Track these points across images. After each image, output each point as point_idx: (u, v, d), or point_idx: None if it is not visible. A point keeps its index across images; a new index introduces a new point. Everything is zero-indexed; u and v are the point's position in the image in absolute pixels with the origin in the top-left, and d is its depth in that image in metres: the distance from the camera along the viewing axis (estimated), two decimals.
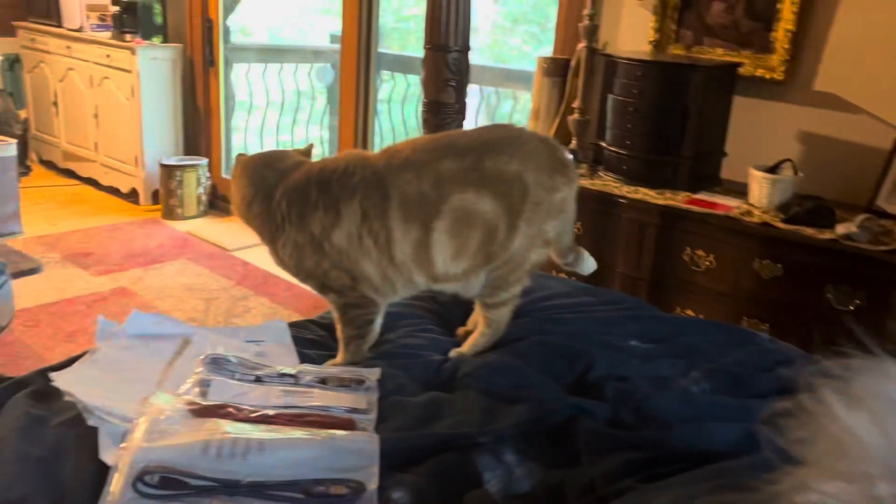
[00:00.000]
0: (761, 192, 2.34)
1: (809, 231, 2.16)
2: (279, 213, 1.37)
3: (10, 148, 3.87)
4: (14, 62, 5.28)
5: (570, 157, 1.47)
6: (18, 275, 3.43)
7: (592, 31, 2.81)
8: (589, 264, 1.57)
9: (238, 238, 4.17)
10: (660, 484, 0.86)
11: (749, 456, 0.93)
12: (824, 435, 0.72)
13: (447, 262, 1.36)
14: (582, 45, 2.82)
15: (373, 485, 0.99)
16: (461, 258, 1.37)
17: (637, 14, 2.83)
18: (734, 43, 2.63)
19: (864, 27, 2.35)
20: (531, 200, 1.37)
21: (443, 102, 1.84)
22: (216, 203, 4.76)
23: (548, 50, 3.14)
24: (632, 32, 2.87)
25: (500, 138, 1.39)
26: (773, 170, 2.38)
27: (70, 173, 5.15)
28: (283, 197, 1.37)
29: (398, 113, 4.60)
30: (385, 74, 4.40)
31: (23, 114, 5.24)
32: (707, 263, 2.31)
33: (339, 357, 1.42)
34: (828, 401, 0.75)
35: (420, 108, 1.95)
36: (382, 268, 1.36)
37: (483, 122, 4.52)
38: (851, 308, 2.05)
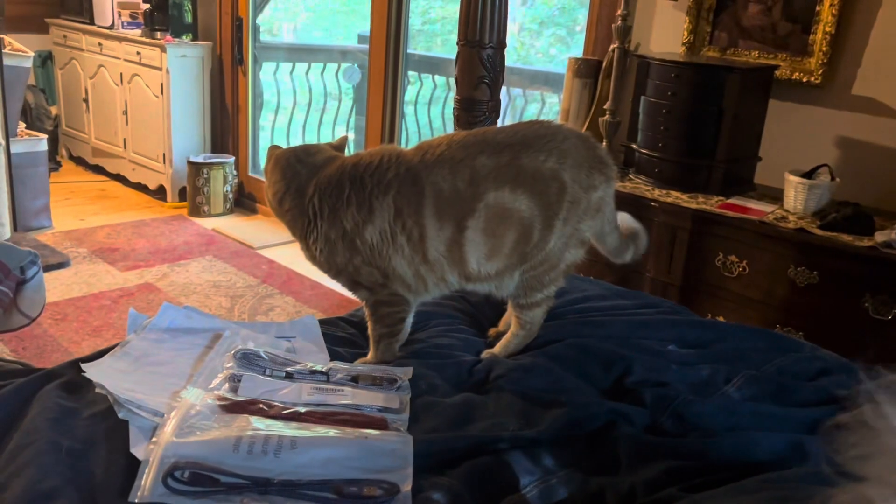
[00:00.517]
0: (797, 197, 2.29)
1: (847, 238, 2.11)
2: (311, 208, 1.35)
3: (41, 143, 3.90)
4: (46, 59, 5.35)
5: (607, 153, 1.43)
6: (47, 269, 3.46)
7: (625, 32, 2.77)
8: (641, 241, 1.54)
9: (264, 236, 4.17)
10: (706, 494, 0.83)
11: (797, 468, 0.89)
12: (887, 450, 0.69)
13: (481, 261, 1.34)
14: (614, 45, 2.79)
15: (407, 487, 0.97)
16: (495, 258, 1.34)
17: (670, 15, 2.79)
18: (770, 45, 2.58)
19: None
20: (568, 199, 1.34)
21: (476, 100, 1.82)
22: (242, 201, 4.78)
23: (575, 53, 3.11)
24: (665, 34, 2.83)
25: (538, 135, 1.35)
26: (809, 175, 2.33)
27: (99, 169, 5.20)
28: (316, 192, 1.35)
29: (424, 114, 4.59)
30: (412, 76, 4.39)
31: (54, 110, 5.30)
32: (740, 269, 2.27)
33: (370, 355, 1.40)
34: (890, 415, 0.71)
35: (451, 106, 1.93)
36: (415, 265, 1.34)
37: (510, 123, 4.48)
38: (890, 318, 2.00)
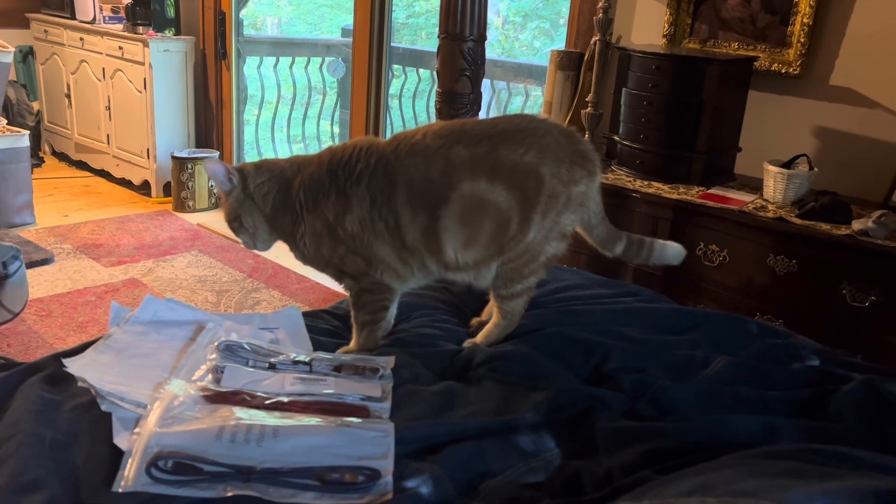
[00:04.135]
0: (776, 187, 2.32)
1: (825, 227, 2.13)
2: (298, 203, 1.38)
3: (23, 139, 3.87)
4: (28, 54, 5.30)
5: (593, 149, 1.44)
6: (31, 265, 3.44)
7: (606, 25, 2.79)
8: (671, 252, 1.51)
9: None
10: (678, 473, 0.85)
11: (769, 446, 0.92)
12: None
13: (458, 250, 1.35)
14: (596, 38, 2.81)
15: (388, 473, 0.98)
16: (472, 248, 1.36)
17: (651, 7, 2.81)
18: (750, 37, 2.61)
19: (883, 21, 2.32)
20: (546, 193, 1.35)
21: (457, 92, 1.83)
22: None
23: (560, 45, 3.13)
24: (646, 26, 2.85)
25: (518, 129, 1.36)
26: (788, 165, 2.36)
27: (82, 165, 5.16)
28: (301, 187, 1.38)
29: (409, 108, 4.59)
30: (396, 69, 4.39)
31: (36, 106, 5.25)
32: (720, 259, 2.29)
33: (353, 343, 1.42)
34: None
35: (434, 99, 1.94)
36: (398, 249, 1.36)
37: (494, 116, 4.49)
38: (867, 304, 2.03)
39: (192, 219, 4.38)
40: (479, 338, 1.44)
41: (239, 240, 1.45)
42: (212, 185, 4.56)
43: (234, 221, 1.42)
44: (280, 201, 1.40)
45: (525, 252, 1.38)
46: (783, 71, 2.51)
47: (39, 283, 3.32)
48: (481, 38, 1.80)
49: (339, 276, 1.43)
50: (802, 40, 2.45)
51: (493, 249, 1.37)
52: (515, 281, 1.41)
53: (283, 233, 1.43)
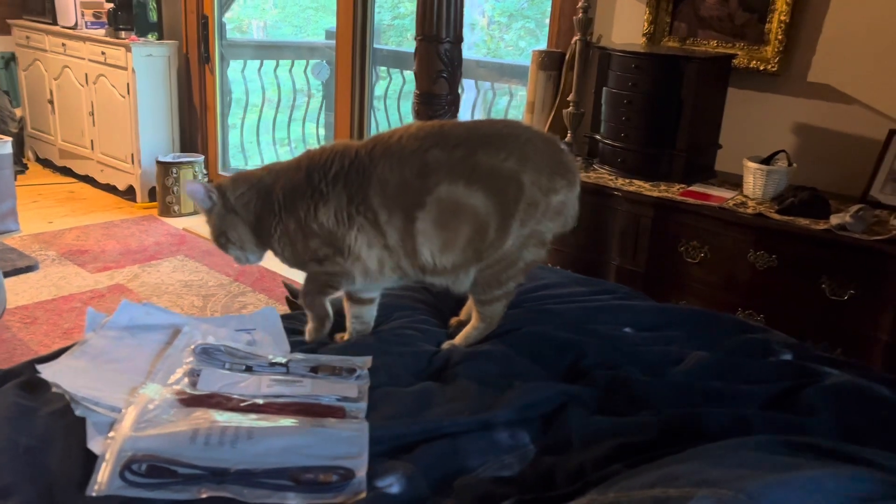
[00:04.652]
0: (756, 183, 2.34)
1: (804, 222, 2.15)
2: (276, 204, 1.39)
3: (5, 146, 3.86)
4: (9, 60, 5.28)
5: (576, 158, 1.44)
6: (15, 272, 3.42)
7: (586, 24, 2.80)
8: None
9: None
10: (646, 466, 0.86)
11: (738, 438, 0.93)
12: None
13: (435, 253, 1.35)
14: (576, 38, 2.82)
15: (362, 472, 0.99)
16: (450, 251, 1.35)
17: (631, 6, 2.83)
18: (728, 35, 2.62)
19: (859, 18, 2.34)
20: (526, 201, 1.34)
21: (435, 94, 1.84)
22: None
23: (545, 45, 3.14)
24: (626, 25, 2.86)
25: (500, 134, 1.36)
26: (767, 161, 2.38)
27: (67, 171, 5.14)
28: (281, 190, 1.40)
29: (395, 109, 4.60)
30: (381, 71, 4.39)
31: (18, 112, 5.23)
32: (702, 255, 2.31)
33: (308, 327, 1.46)
34: None
35: (413, 101, 1.95)
36: (378, 246, 1.36)
37: (480, 116, 4.51)
38: (846, 298, 2.05)
39: (178, 223, 4.37)
40: (458, 339, 1.45)
41: (231, 256, 1.46)
42: None
43: (221, 237, 1.44)
44: (261, 207, 1.41)
45: (503, 259, 1.38)
46: (761, 68, 2.53)
47: (24, 290, 3.30)
48: (458, 39, 1.81)
49: (309, 262, 1.44)
50: (780, 38, 2.47)
51: (471, 254, 1.36)
52: (494, 287, 1.41)
53: (265, 237, 1.44)
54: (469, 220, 1.33)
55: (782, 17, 2.46)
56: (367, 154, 1.35)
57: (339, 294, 1.47)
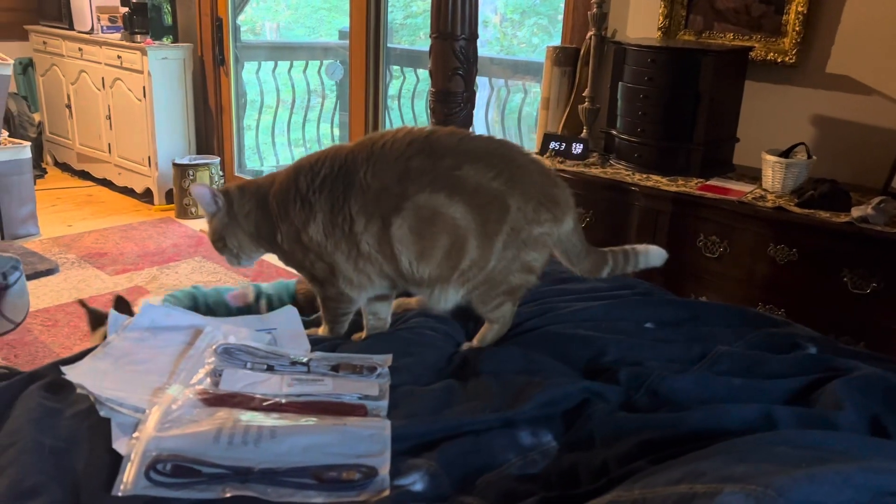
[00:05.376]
0: (775, 176, 2.32)
1: (824, 215, 2.13)
2: (273, 213, 1.41)
3: (25, 151, 3.90)
4: (27, 66, 5.33)
5: (568, 196, 1.40)
6: (36, 275, 3.46)
7: (601, 19, 2.79)
8: (654, 255, 1.49)
9: None
10: (670, 462, 0.85)
11: (763, 433, 0.92)
12: None
13: (412, 261, 1.34)
14: (591, 33, 2.81)
15: (385, 470, 0.99)
16: (427, 261, 1.34)
17: (646, 0, 2.81)
18: (745, 27, 2.60)
19: (878, 7, 2.31)
20: (509, 224, 1.33)
21: (451, 91, 1.83)
22: None
23: (558, 42, 3.13)
24: (640, 19, 2.85)
25: (492, 152, 1.35)
26: (786, 154, 2.36)
27: (85, 175, 5.19)
28: (274, 198, 1.41)
29: (409, 108, 4.60)
30: (395, 70, 4.40)
31: (37, 117, 5.29)
32: (721, 250, 2.29)
33: (321, 330, 1.49)
34: None
35: (428, 99, 1.95)
36: (353, 259, 1.37)
37: (494, 114, 4.50)
38: (868, 291, 2.02)
39: (195, 225, 4.40)
40: (476, 340, 1.44)
41: (224, 257, 1.50)
42: None
43: (219, 242, 1.46)
44: (260, 216, 1.43)
45: (488, 280, 1.37)
46: (779, 60, 2.51)
47: (45, 294, 3.34)
48: (473, 36, 1.80)
49: (311, 280, 1.47)
50: (797, 29, 2.45)
51: (447, 269, 1.35)
52: (487, 303, 1.41)
53: (267, 243, 1.46)
54: (447, 231, 1.32)
55: (800, 8, 2.43)
56: (353, 158, 1.35)
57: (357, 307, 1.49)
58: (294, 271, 1.50)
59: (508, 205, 1.32)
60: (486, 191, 1.31)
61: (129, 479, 0.97)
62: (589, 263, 1.47)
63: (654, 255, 1.50)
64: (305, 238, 1.37)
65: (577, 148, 2.70)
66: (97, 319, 1.51)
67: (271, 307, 1.71)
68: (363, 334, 1.49)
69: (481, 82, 4.22)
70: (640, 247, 1.49)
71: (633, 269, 1.49)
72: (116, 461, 1.01)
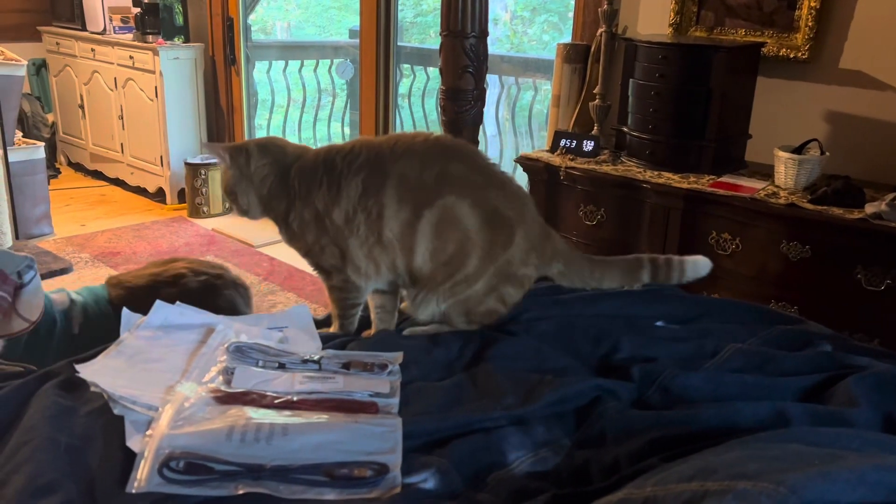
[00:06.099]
0: (787, 173, 2.30)
1: (837, 211, 2.12)
2: (292, 190, 1.42)
3: (38, 151, 3.93)
4: (41, 67, 5.37)
5: (561, 246, 1.45)
6: (50, 275, 3.49)
7: (612, 16, 2.78)
8: (702, 265, 1.48)
9: (264, 234, 4.20)
10: (682, 460, 0.85)
11: (774, 430, 0.91)
12: None
13: (425, 256, 1.37)
14: (602, 29, 2.80)
15: (396, 467, 0.99)
16: (432, 261, 1.37)
17: None
18: (757, 23, 2.59)
19: (892, 2, 2.29)
20: (508, 255, 1.37)
21: (461, 89, 1.83)
22: None
23: (568, 39, 3.12)
24: (651, 16, 2.83)
25: (511, 187, 1.41)
26: (799, 150, 2.34)
27: (98, 174, 5.23)
28: (296, 175, 1.42)
29: (419, 107, 4.60)
30: (405, 69, 4.40)
31: (50, 117, 5.33)
32: (733, 247, 2.28)
33: (332, 328, 1.50)
34: None
35: (438, 97, 1.95)
36: (368, 246, 1.38)
37: (505, 111, 4.50)
38: (883, 288, 2.01)
39: (207, 224, 4.42)
40: (407, 331, 1.46)
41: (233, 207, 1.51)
42: None
43: (231, 195, 1.47)
44: (276, 187, 1.43)
45: (469, 299, 1.39)
46: (791, 56, 2.49)
47: None
48: (483, 34, 1.80)
49: (316, 268, 1.48)
50: (810, 24, 2.43)
51: (444, 274, 1.37)
52: (467, 315, 1.43)
53: (274, 215, 1.47)
54: (459, 240, 1.35)
55: (812, 3, 2.41)
56: (390, 149, 1.37)
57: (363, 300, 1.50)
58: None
59: (514, 234, 1.37)
60: (501, 215, 1.36)
61: (142, 476, 0.98)
62: (619, 274, 1.47)
63: (703, 263, 1.49)
64: (328, 221, 1.38)
65: (588, 145, 2.69)
66: None
67: (86, 312, 1.82)
68: (372, 331, 1.49)
69: (492, 80, 4.22)
70: (687, 258, 1.49)
71: (679, 279, 1.48)
72: (130, 458, 1.02)
